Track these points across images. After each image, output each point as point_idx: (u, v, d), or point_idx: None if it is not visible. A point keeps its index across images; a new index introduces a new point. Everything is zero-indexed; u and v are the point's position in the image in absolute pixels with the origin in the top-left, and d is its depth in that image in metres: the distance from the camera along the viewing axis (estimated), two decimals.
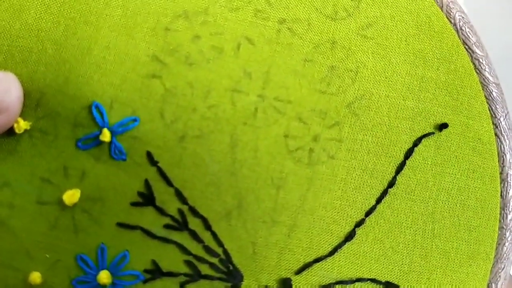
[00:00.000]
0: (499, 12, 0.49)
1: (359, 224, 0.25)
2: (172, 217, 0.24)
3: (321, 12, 0.26)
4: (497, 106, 0.27)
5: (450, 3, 0.28)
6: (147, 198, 0.24)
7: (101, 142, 0.24)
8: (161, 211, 0.24)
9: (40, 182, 0.24)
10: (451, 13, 0.28)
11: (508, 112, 0.28)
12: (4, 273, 0.23)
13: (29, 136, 0.24)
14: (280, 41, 0.26)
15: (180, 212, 0.24)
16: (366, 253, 0.25)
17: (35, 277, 0.23)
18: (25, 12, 0.24)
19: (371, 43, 0.26)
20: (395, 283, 0.26)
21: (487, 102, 0.27)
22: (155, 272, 0.24)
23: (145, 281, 0.24)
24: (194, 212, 0.24)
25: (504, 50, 0.47)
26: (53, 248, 0.24)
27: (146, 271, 0.24)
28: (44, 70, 0.24)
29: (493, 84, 0.28)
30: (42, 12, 0.24)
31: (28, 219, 0.24)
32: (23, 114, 0.23)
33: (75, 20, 0.24)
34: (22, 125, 0.23)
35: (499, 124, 0.27)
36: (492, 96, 0.27)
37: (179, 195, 0.24)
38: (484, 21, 0.46)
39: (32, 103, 0.24)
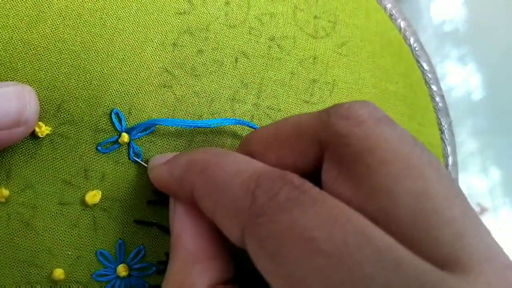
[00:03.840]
0: (500, 12, 0.49)
1: None
2: None
3: (304, 31, 0.30)
4: (443, 115, 0.33)
5: (406, 27, 0.33)
6: (162, 197, 0.26)
7: (120, 146, 0.25)
8: None
9: (61, 184, 0.25)
10: (407, 35, 0.33)
11: (451, 121, 0.33)
12: (28, 270, 0.25)
13: (50, 141, 0.25)
14: (271, 56, 0.29)
15: None
16: None
17: (59, 273, 0.25)
18: (41, 23, 0.25)
19: (345, 59, 0.30)
20: None
21: (435, 112, 0.33)
22: (167, 263, 0.26)
23: (158, 272, 0.26)
24: None
25: (505, 50, 0.48)
26: (75, 246, 0.25)
27: (159, 262, 0.26)
28: (63, 79, 0.25)
29: (439, 96, 0.33)
30: (59, 23, 0.25)
31: (51, 219, 0.25)
32: (43, 119, 0.25)
33: (91, 33, 0.25)
34: (44, 130, 0.24)
35: (444, 130, 0.33)
36: (438, 106, 0.33)
37: None
38: (485, 21, 0.47)
39: (52, 108, 0.25)
